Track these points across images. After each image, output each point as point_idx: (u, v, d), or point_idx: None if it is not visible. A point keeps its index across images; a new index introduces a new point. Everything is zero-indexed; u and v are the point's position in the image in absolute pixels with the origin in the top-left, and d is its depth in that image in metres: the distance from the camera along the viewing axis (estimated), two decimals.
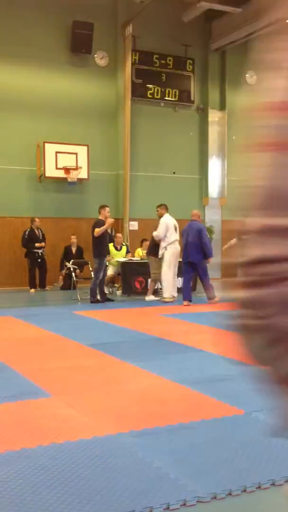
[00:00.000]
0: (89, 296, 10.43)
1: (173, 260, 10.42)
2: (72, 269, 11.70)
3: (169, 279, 10.41)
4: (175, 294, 10.60)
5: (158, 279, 10.87)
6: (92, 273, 11.57)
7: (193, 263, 10.01)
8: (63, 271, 12.76)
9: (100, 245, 10.29)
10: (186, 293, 9.98)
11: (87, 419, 3.71)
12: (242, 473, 2.86)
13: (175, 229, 10.50)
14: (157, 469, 2.90)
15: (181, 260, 10.46)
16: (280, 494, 2.68)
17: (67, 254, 12.86)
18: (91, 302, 10.24)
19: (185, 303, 9.87)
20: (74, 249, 12.97)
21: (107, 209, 10.67)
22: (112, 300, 10.58)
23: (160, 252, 10.51)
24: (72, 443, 3.26)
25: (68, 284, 12.22)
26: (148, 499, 2.58)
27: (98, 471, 2.89)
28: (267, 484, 2.74)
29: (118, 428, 3.51)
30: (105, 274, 10.66)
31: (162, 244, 10.47)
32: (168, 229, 10.41)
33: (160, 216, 10.67)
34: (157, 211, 10.85)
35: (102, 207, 10.68)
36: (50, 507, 2.51)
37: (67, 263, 12.43)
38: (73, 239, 12.97)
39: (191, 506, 2.55)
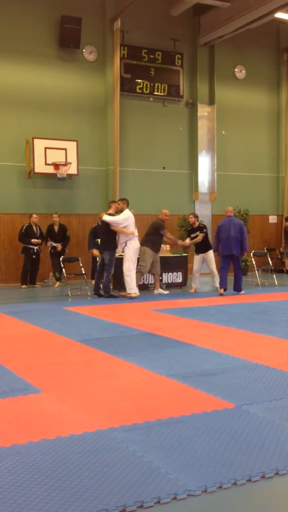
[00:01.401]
0: (79, 292, 10.41)
1: (133, 256, 10.33)
2: (62, 266, 11.66)
3: (133, 275, 10.34)
4: (137, 291, 10.54)
5: (144, 272, 10.92)
6: (82, 268, 11.56)
7: (234, 255, 10.65)
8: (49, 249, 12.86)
9: (113, 238, 10.45)
10: (223, 282, 10.62)
11: (78, 414, 3.72)
12: (232, 466, 2.87)
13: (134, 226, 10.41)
14: (148, 463, 2.91)
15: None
16: (270, 487, 2.70)
17: (49, 233, 12.84)
18: (106, 297, 10.38)
19: (221, 290, 10.58)
20: (56, 228, 12.87)
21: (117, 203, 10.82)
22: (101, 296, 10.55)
23: (120, 248, 10.41)
24: (63, 439, 3.26)
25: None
26: (139, 493, 2.59)
27: (89, 466, 2.90)
28: (257, 477, 2.76)
29: (109, 423, 3.52)
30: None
31: (122, 239, 10.34)
32: (132, 223, 10.30)
33: (121, 210, 10.47)
34: (118, 204, 10.62)
35: (113, 202, 10.88)
36: (41, 502, 2.51)
37: (52, 242, 12.69)
38: (55, 217, 12.87)
39: (181, 500, 2.56)
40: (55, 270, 12.80)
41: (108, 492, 2.60)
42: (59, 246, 12.59)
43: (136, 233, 10.44)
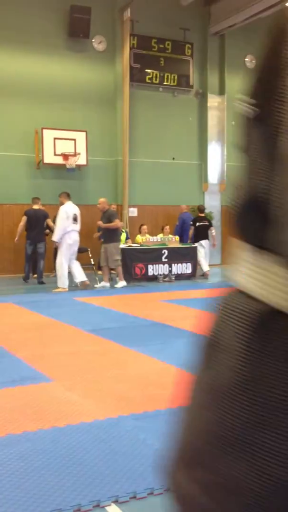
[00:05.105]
0: (89, 283, 10.44)
1: (67, 251, 10.07)
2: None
3: (64, 271, 10.09)
4: (66, 286, 10.24)
5: (119, 265, 10.63)
6: (91, 259, 11.57)
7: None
8: None
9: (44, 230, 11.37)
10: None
11: (88, 403, 3.73)
12: None
13: (75, 218, 10.19)
14: (157, 451, 2.91)
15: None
16: None
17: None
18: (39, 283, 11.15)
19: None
20: None
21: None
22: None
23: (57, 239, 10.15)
24: (73, 427, 3.27)
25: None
26: (149, 481, 2.59)
27: (99, 453, 2.91)
28: None
29: (119, 411, 3.53)
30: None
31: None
32: (68, 218, 10.07)
33: (61, 204, 10.30)
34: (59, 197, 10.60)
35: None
36: (51, 489, 2.53)
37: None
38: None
39: None
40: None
41: (118, 479, 2.61)
42: None
43: (75, 227, 10.19)
